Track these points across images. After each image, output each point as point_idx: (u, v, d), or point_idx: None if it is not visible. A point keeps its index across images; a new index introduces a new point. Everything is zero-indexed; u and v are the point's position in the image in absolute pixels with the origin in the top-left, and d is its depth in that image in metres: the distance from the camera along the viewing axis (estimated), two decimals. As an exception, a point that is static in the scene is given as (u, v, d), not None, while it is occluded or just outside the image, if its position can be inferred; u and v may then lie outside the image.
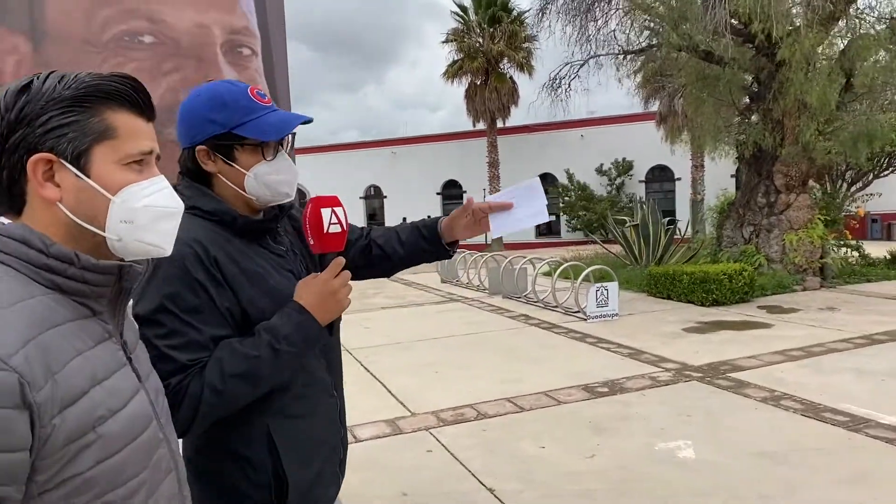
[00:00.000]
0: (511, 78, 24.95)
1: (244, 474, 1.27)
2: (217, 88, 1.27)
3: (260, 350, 1.17)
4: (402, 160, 31.15)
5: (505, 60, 24.46)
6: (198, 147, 1.27)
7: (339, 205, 1.29)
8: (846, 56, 9.80)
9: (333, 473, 1.43)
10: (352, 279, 1.35)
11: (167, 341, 1.14)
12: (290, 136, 1.32)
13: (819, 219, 10.03)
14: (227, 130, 1.24)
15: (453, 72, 24.58)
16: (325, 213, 1.25)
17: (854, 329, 6.99)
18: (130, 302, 1.00)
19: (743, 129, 10.37)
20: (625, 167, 26.91)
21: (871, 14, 10.43)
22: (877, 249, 12.19)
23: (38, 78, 0.84)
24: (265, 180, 1.28)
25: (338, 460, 1.45)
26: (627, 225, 12.32)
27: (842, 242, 11.08)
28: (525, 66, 24.22)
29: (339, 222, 1.27)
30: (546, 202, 1.52)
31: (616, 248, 13.54)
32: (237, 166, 1.27)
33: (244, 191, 1.29)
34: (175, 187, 1.33)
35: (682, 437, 4.07)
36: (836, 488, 3.28)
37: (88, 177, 0.84)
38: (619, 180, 27.10)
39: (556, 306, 9.27)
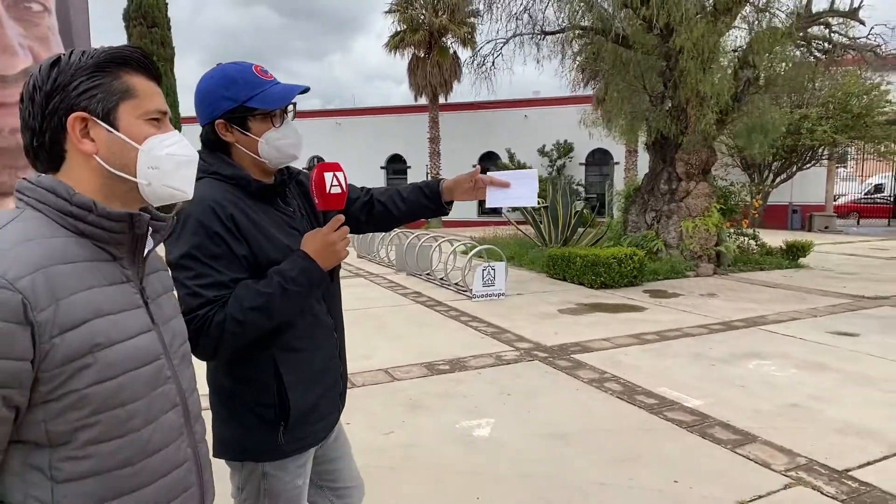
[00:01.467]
0: (454, 53, 24.71)
1: (253, 395, 1.52)
2: (226, 69, 1.49)
3: (272, 288, 1.40)
4: (347, 132, 30.59)
5: (448, 35, 24.16)
6: (216, 121, 1.48)
7: (340, 170, 1.50)
8: (751, 49, 9.98)
9: (334, 402, 1.67)
10: (355, 232, 1.76)
11: (196, 281, 1.38)
12: (293, 107, 1.54)
13: (715, 207, 10.27)
14: (240, 104, 1.46)
15: (395, 43, 24.16)
16: (328, 176, 1.47)
17: (718, 315, 7.21)
18: (162, 256, 1.20)
19: (647, 116, 10.49)
20: (566, 149, 27.06)
21: (780, 8, 10.63)
22: (793, 239, 12.40)
23: (64, 54, 1.00)
24: (275, 144, 1.50)
25: (338, 391, 1.69)
26: (538, 205, 12.39)
27: (739, 231, 11.40)
28: (468, 41, 23.91)
29: (340, 184, 1.48)
30: (537, 191, 1.77)
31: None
32: (251, 134, 1.49)
33: (258, 155, 1.51)
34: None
35: (489, 415, 4.12)
36: (604, 468, 3.36)
37: (118, 131, 1.00)
38: (559, 162, 27.26)
39: (449, 284, 9.30)
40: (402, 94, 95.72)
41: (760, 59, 9.42)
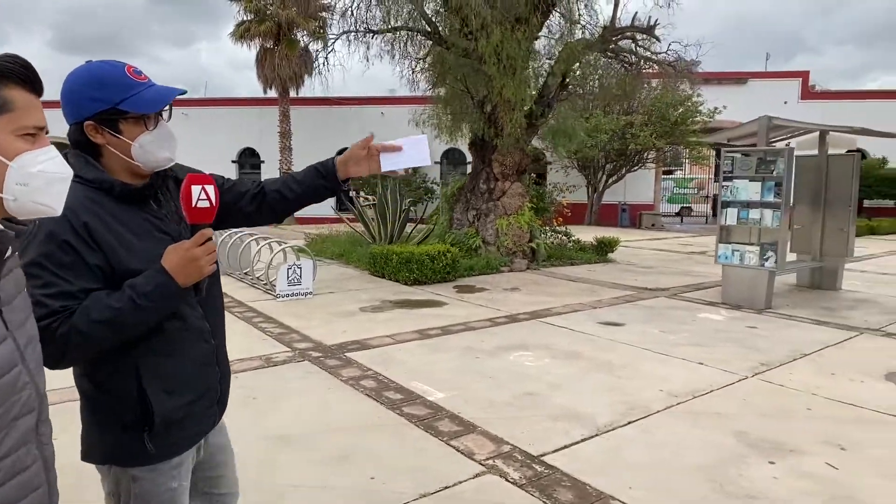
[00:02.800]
0: (305, 47, 24.14)
1: (115, 400, 1.50)
2: (95, 69, 1.44)
3: (123, 303, 1.36)
4: (196, 123, 28.84)
5: (299, 28, 23.57)
6: (85, 122, 1.43)
7: (211, 183, 1.46)
8: (561, 58, 10.60)
9: (208, 409, 1.65)
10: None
11: (42, 290, 1.33)
12: (169, 108, 1.52)
13: (528, 206, 10.81)
14: (111, 106, 1.41)
15: (241, 33, 23.14)
16: (195, 189, 1.43)
17: (509, 308, 7.56)
18: (15, 260, 1.09)
19: (466, 118, 10.83)
20: (421, 147, 27.43)
21: (590, 21, 11.39)
22: (602, 235, 13.30)
23: None
24: (149, 148, 1.48)
25: (215, 399, 1.68)
26: (367, 203, 12.42)
27: (553, 229, 12.12)
28: (319, 35, 23.47)
29: (208, 198, 1.44)
30: (429, 152, 1.79)
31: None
32: (123, 137, 1.45)
33: (132, 159, 1.47)
34: (64, 156, 1.45)
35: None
36: (311, 469, 3.35)
37: None
38: (416, 160, 27.57)
39: (259, 285, 9.03)
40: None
41: (564, 68, 10.03)
